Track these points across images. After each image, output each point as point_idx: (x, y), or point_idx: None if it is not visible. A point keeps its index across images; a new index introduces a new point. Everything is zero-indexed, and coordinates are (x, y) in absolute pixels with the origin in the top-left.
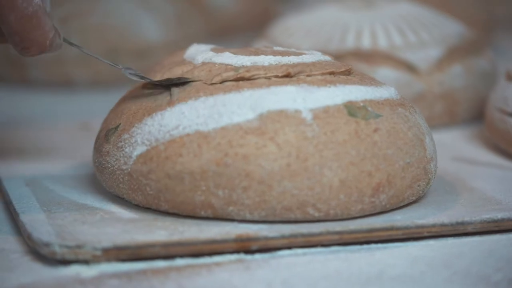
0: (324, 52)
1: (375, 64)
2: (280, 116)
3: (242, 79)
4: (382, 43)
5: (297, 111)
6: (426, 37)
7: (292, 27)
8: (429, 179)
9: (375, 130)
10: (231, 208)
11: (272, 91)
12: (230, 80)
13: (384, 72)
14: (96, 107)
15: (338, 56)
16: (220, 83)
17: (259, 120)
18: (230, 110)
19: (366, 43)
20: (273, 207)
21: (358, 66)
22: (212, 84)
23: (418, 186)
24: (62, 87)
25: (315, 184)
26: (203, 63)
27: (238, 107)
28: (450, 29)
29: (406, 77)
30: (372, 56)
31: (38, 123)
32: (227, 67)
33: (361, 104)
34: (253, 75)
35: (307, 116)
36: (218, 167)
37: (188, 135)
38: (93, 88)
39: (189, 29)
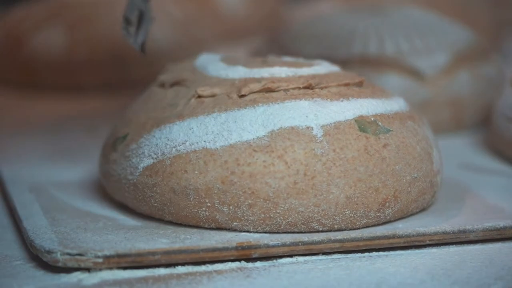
0: (331, 62)
1: (381, 70)
2: (291, 133)
3: (268, 90)
4: (389, 49)
5: (308, 128)
6: (433, 43)
7: (299, 32)
8: (435, 192)
9: (385, 146)
10: (235, 223)
11: (286, 106)
12: (255, 92)
13: (391, 78)
14: (103, 112)
15: (345, 62)
16: (247, 94)
17: (270, 138)
18: (241, 127)
19: (373, 49)
20: (277, 223)
21: (364, 73)
22: (241, 96)
23: (424, 199)
24: (70, 91)
25: (322, 201)
26: (221, 77)
27: (249, 124)
28: (457, 34)
29: (413, 83)
30: (378, 62)
31: (44, 128)
32: (247, 79)
33: (372, 119)
34: (278, 86)
35: (318, 133)
36: (224, 185)
37: (194, 151)
38: (101, 93)
39: (198, 33)
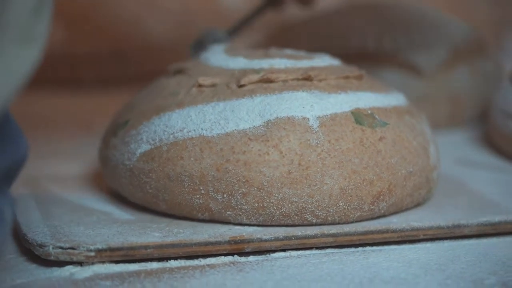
0: (332, 56)
1: (379, 65)
2: (287, 123)
3: (267, 80)
4: (387, 44)
5: (305, 118)
6: (432, 38)
7: (298, 27)
8: (431, 187)
9: (380, 139)
10: (228, 212)
11: (284, 97)
12: (254, 82)
13: (389, 73)
14: (102, 106)
15: (343, 57)
16: (247, 85)
17: (265, 127)
18: (238, 116)
19: (371, 44)
20: (271, 213)
21: (362, 67)
22: (240, 86)
23: (419, 194)
24: (69, 86)
25: (315, 192)
26: (222, 68)
27: (246, 113)
28: (456, 30)
29: (411, 78)
30: (376, 58)
31: (41, 122)
32: (246, 70)
33: (369, 111)
34: (277, 77)
35: (314, 123)
36: (218, 172)
37: (191, 138)
38: (100, 88)
39: (198, 28)
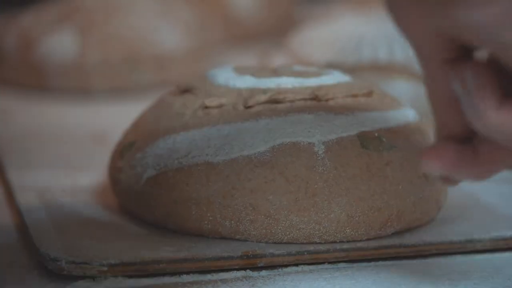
0: (341, 68)
1: (391, 76)
2: (292, 149)
3: (274, 101)
4: (399, 55)
5: (310, 144)
6: None
7: (309, 38)
8: (439, 208)
9: (388, 163)
10: (238, 236)
11: (289, 120)
12: (262, 103)
13: (400, 84)
14: (113, 116)
15: (354, 69)
16: (254, 106)
17: (271, 153)
18: (242, 141)
19: (382, 55)
20: (279, 238)
21: (374, 79)
22: (248, 107)
23: (428, 216)
24: (81, 95)
25: (323, 219)
26: (229, 87)
27: (251, 138)
28: None
29: (422, 89)
30: (388, 69)
31: (54, 133)
32: (254, 89)
33: (376, 134)
34: (284, 98)
35: (319, 149)
36: (225, 199)
37: (196, 164)
38: (112, 97)
39: (209, 37)
